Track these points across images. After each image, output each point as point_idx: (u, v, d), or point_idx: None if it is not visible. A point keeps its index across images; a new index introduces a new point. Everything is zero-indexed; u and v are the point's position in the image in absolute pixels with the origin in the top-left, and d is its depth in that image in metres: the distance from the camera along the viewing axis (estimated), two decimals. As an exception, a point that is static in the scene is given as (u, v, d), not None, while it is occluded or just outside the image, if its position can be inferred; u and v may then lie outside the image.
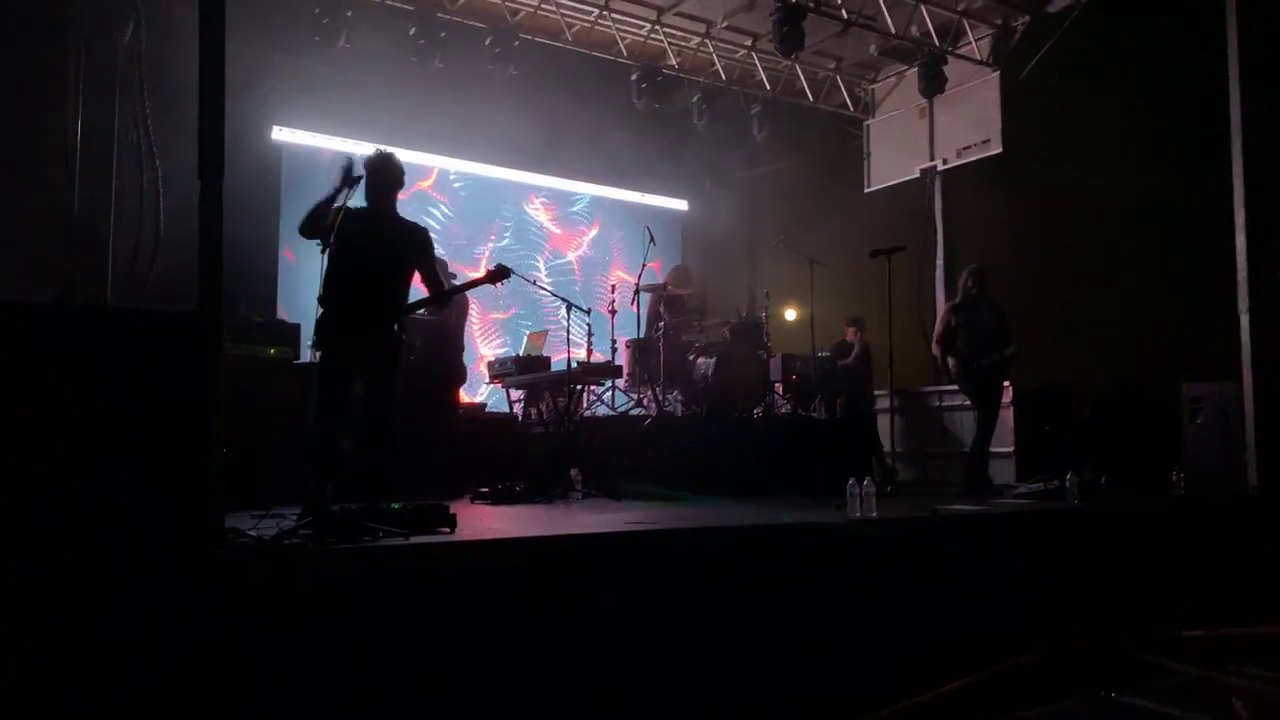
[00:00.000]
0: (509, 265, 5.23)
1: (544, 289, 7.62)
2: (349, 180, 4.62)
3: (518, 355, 8.28)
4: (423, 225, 5.00)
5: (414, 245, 4.86)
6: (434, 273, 4.94)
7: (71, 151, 7.21)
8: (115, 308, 6.04)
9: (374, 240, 4.68)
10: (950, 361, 7.74)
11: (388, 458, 4.74)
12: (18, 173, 6.83)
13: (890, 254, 7.07)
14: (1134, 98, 8.49)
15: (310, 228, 4.67)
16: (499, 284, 5.14)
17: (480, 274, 5.40)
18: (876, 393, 9.14)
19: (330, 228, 4.53)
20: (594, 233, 11.82)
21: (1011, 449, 8.59)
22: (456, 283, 6.47)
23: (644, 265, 7.99)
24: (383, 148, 4.97)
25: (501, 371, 8.16)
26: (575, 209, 11.75)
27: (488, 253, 10.70)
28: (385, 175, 4.82)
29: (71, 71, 7.19)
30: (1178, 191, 8.08)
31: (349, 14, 8.26)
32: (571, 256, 11.65)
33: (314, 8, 8.18)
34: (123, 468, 3.24)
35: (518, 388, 8.07)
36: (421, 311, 5.54)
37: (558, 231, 11.58)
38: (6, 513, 3.04)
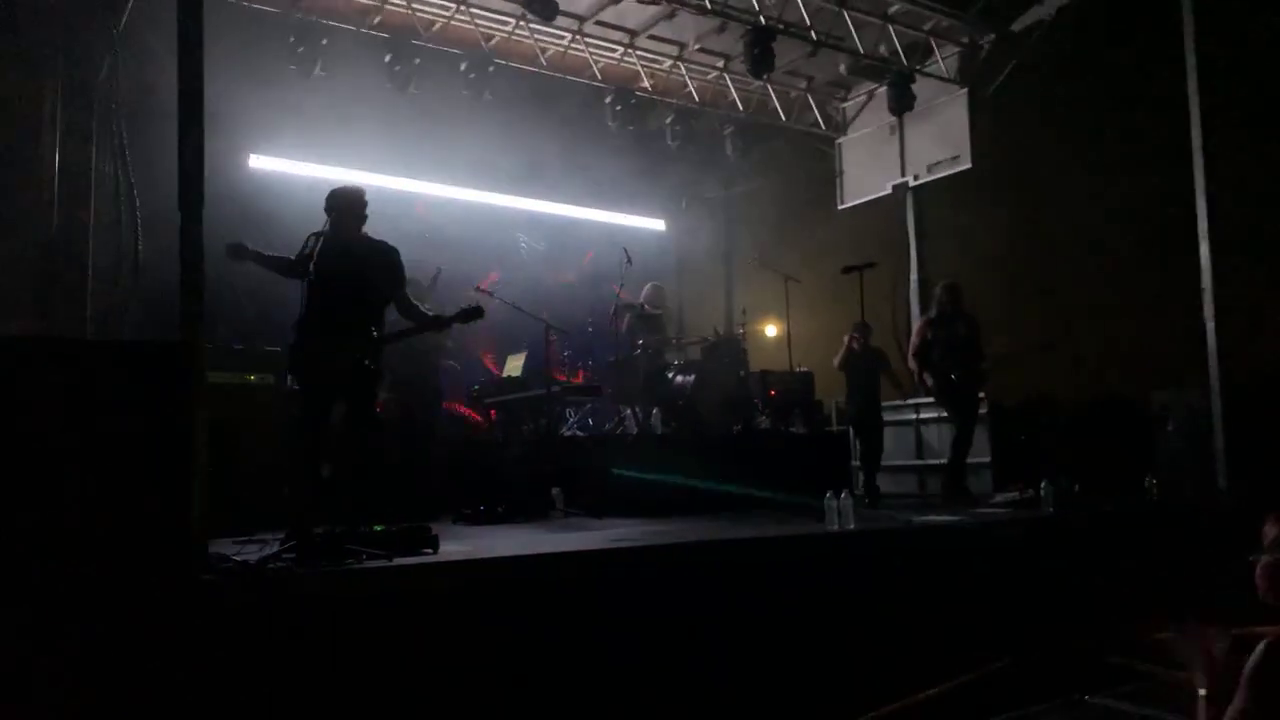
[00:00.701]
0: (489, 294, 5.26)
1: (522, 310, 7.66)
2: (237, 255, 4.73)
3: (499, 377, 8.34)
4: (392, 245, 5.00)
5: (381, 264, 4.89)
6: (404, 293, 4.98)
7: (50, 182, 7.24)
8: (100, 340, 6.06)
9: (341, 264, 4.73)
10: (926, 375, 7.84)
11: (369, 478, 4.78)
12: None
13: (862, 270, 7.18)
14: (1098, 113, 8.68)
15: (286, 271, 4.80)
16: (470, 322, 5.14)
17: (476, 300, 5.45)
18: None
19: (309, 255, 4.61)
20: (586, 255, 11.82)
21: (988, 459, 8.71)
22: (425, 307, 6.59)
23: (621, 285, 8.07)
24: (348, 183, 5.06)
25: (482, 393, 8.22)
26: (565, 232, 11.71)
27: (488, 280, 10.51)
28: (342, 204, 4.88)
29: (49, 103, 7.22)
30: (1142, 204, 8.26)
31: (324, 42, 8.32)
32: (566, 280, 11.62)
33: (289, 36, 8.24)
34: (108, 496, 3.28)
35: (498, 408, 8.12)
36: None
37: (552, 256, 11.55)
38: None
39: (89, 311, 7.32)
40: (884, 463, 8.32)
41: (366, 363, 4.69)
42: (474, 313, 5.04)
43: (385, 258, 4.92)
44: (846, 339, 8.19)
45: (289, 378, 5.78)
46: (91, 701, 2.97)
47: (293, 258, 4.79)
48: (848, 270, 7.23)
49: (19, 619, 2.97)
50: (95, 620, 3.04)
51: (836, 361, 8.28)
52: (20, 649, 2.92)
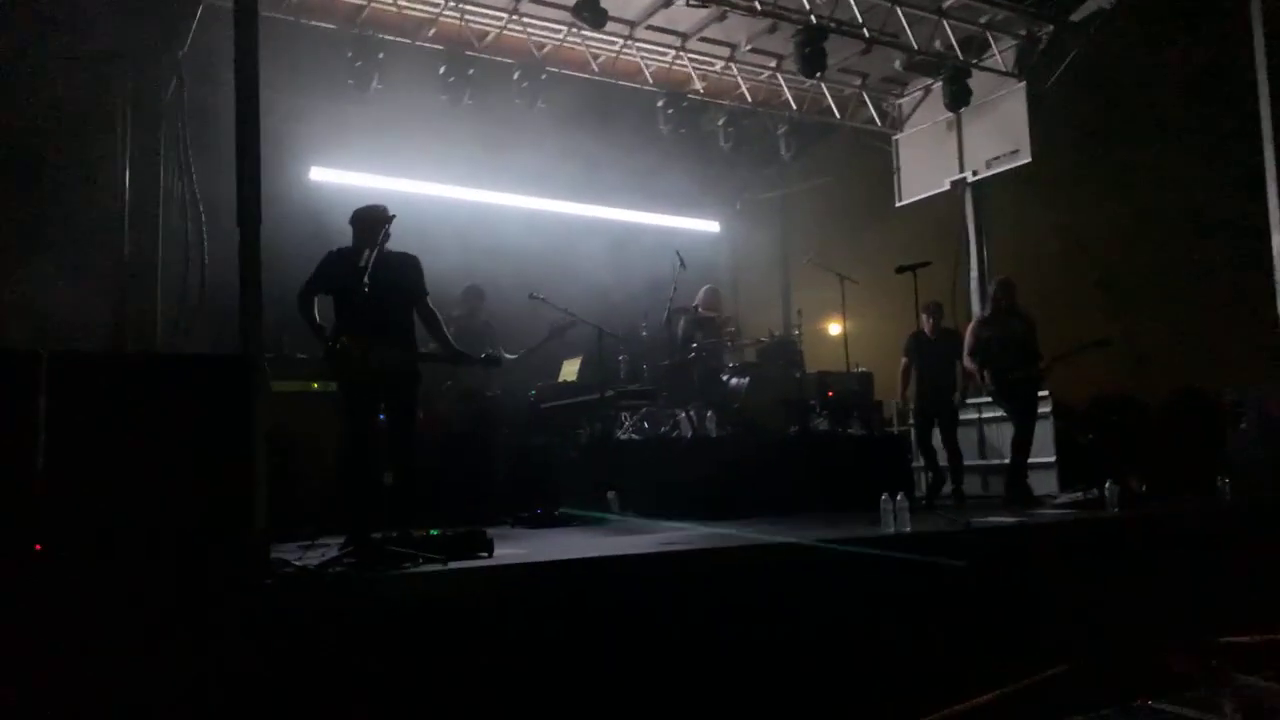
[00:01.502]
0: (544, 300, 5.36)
1: (573, 315, 7.71)
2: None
3: (554, 382, 8.42)
4: (413, 254, 5.14)
5: (405, 273, 5.05)
6: (425, 300, 5.14)
7: (121, 200, 7.53)
8: (167, 354, 6.28)
9: (372, 277, 4.84)
10: (985, 373, 7.71)
11: (420, 482, 4.90)
12: (71, 224, 7.17)
13: (915, 269, 7.09)
14: (1160, 103, 8.48)
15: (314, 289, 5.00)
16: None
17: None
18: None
19: (365, 268, 4.72)
20: (644, 261, 11.73)
21: (1053, 459, 8.55)
22: (481, 317, 7.22)
23: (675, 288, 8.08)
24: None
25: (537, 397, 8.30)
26: (620, 237, 11.64)
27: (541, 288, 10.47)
28: (368, 221, 5.01)
29: (119, 125, 7.52)
30: (1208, 194, 8.04)
31: (381, 56, 8.50)
32: (621, 284, 11.55)
33: (347, 51, 8.44)
34: (173, 503, 3.41)
35: (552, 413, 8.19)
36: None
37: (608, 260, 11.49)
38: (63, 547, 3.22)
39: (159, 324, 7.58)
40: (943, 463, 8.20)
41: (402, 367, 4.86)
42: (492, 361, 5.50)
43: (408, 266, 5.09)
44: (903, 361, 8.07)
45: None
46: (154, 700, 3.09)
47: (309, 288, 4.98)
48: (902, 270, 7.14)
49: (82, 622, 3.10)
50: (158, 623, 3.16)
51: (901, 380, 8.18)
52: (83, 651, 3.05)
